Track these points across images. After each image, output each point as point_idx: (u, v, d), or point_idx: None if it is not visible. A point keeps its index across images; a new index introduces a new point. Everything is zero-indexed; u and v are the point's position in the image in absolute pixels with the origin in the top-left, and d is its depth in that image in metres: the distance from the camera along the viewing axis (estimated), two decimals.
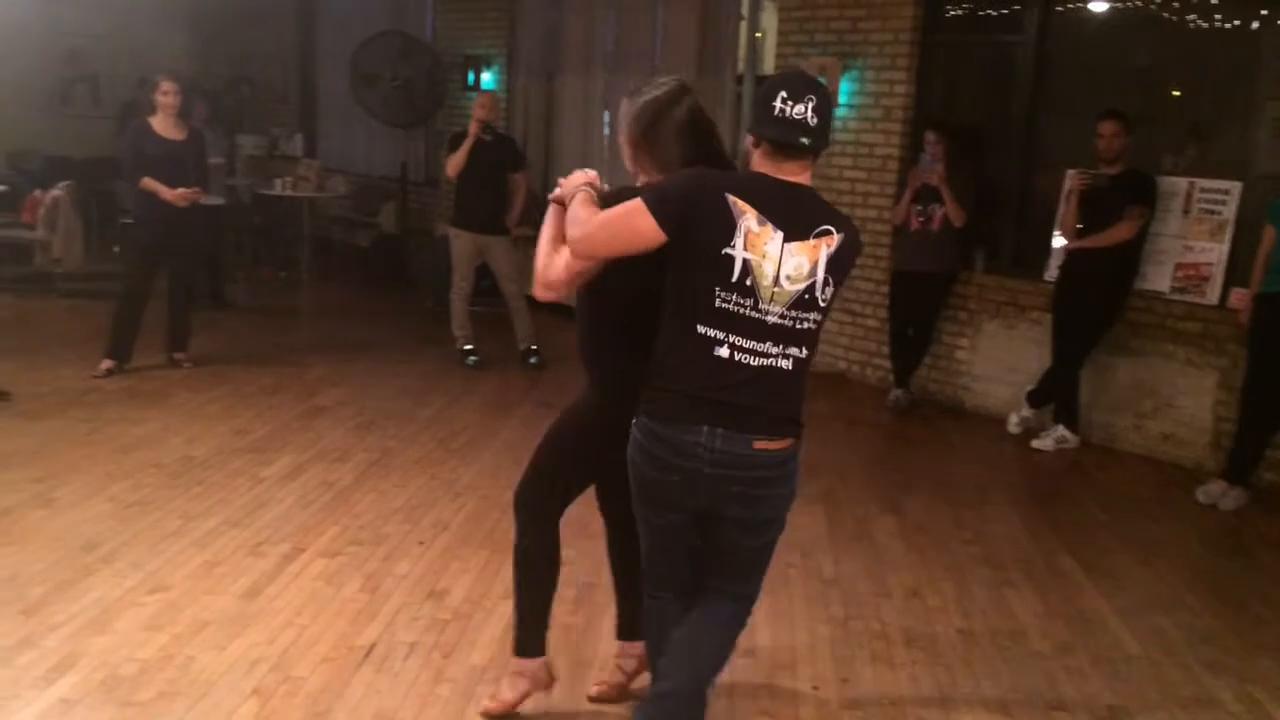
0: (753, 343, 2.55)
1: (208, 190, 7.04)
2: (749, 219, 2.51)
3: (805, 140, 2.53)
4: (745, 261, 2.51)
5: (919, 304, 6.97)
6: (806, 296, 2.56)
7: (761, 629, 3.78)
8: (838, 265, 2.58)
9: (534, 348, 7.48)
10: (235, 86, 12.80)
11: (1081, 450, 6.28)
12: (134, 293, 6.57)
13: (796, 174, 2.59)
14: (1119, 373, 6.32)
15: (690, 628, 2.80)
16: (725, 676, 3.45)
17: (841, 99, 7.38)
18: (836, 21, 7.46)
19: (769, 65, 8.43)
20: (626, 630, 3.28)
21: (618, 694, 3.29)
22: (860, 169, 7.45)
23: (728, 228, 2.51)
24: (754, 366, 2.55)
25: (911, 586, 4.29)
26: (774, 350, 2.56)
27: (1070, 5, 6.76)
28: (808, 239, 2.55)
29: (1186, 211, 6.05)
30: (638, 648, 3.20)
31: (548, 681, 3.21)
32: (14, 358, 6.60)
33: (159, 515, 4.49)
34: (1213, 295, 5.95)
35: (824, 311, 2.61)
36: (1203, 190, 6.00)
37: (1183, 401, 6.08)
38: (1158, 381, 6.17)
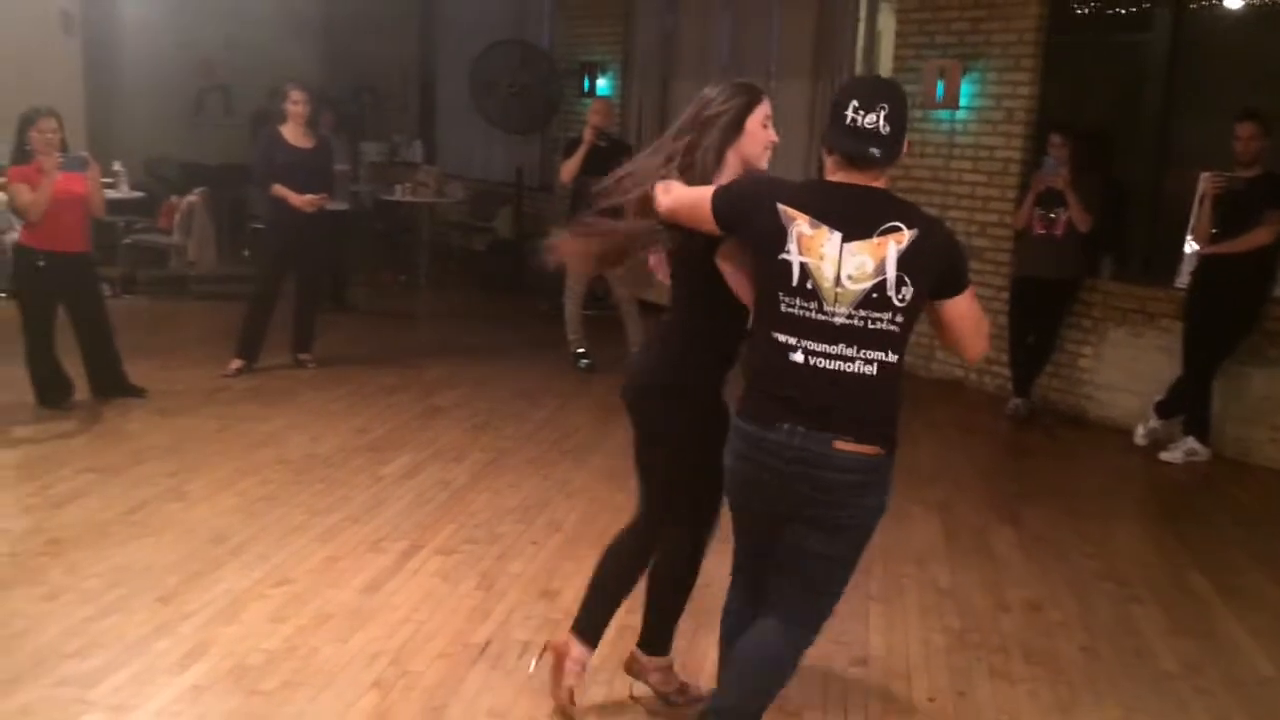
0: (824, 345, 2.53)
1: (333, 196, 7.25)
2: (800, 224, 2.53)
3: (876, 152, 2.52)
4: (803, 265, 2.52)
5: (1041, 311, 6.79)
6: (875, 296, 2.50)
7: (875, 638, 3.73)
8: (914, 264, 2.49)
9: None
10: (358, 95, 13.16)
11: (1213, 464, 6.04)
12: (263, 295, 6.81)
13: (865, 178, 2.57)
14: (1254, 383, 6.06)
15: (742, 649, 2.82)
16: (838, 684, 3.43)
17: (962, 101, 7.24)
18: (957, 23, 7.33)
19: (886, 67, 8.31)
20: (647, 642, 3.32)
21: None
22: (980, 172, 7.30)
23: (779, 234, 2.54)
24: (830, 370, 2.53)
25: (1031, 600, 4.18)
26: (849, 353, 2.53)
27: (1205, 2, 6.51)
28: (870, 237, 2.50)
29: None
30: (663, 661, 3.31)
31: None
32: (150, 356, 6.88)
33: (284, 510, 4.64)
34: None
35: (904, 312, 2.52)
36: None
37: None
38: None
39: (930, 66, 7.35)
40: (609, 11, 10.40)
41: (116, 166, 9.19)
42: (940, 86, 7.26)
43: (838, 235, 2.51)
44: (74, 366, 5.98)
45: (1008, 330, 6.98)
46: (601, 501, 4.96)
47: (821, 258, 2.51)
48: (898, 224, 2.51)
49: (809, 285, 2.52)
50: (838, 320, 2.52)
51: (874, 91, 2.58)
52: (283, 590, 3.89)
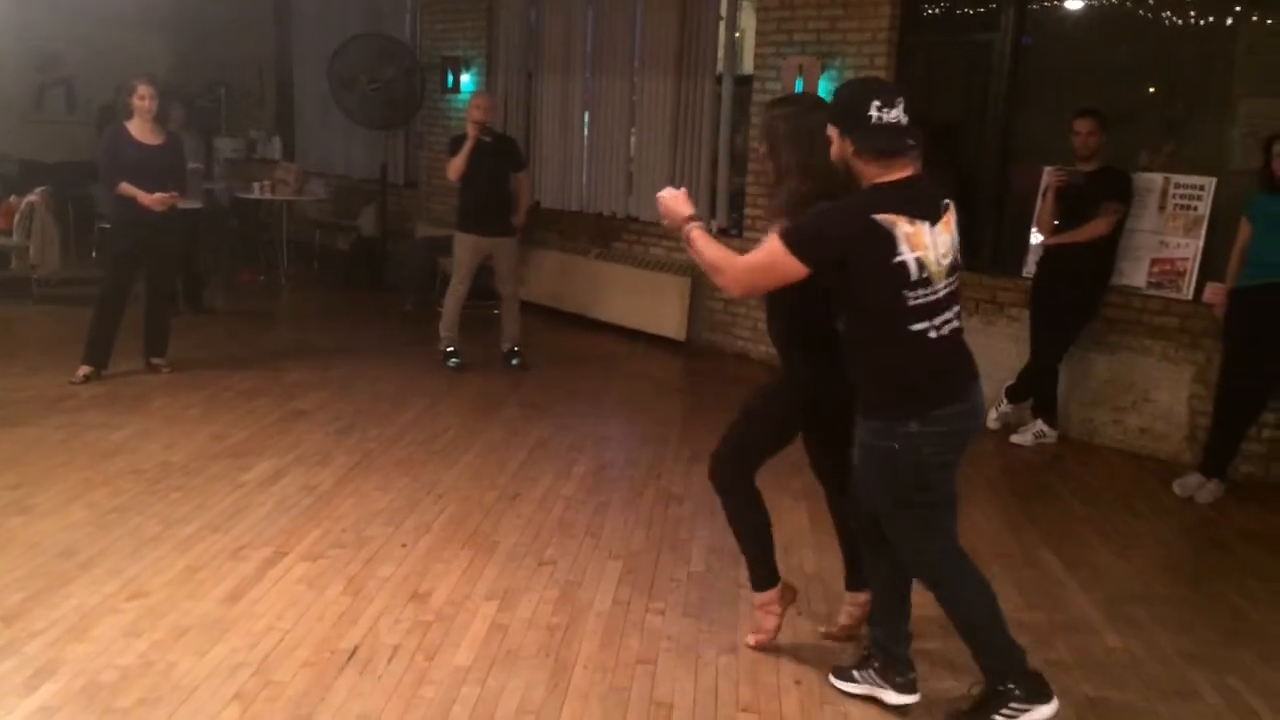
0: (940, 318, 2.94)
1: (185, 194, 7.00)
2: (901, 225, 2.83)
3: (911, 141, 2.87)
4: (918, 260, 2.86)
5: None
6: (953, 263, 2.97)
7: (744, 625, 3.79)
8: (959, 228, 3.01)
9: (517, 349, 7.48)
10: (211, 90, 12.74)
11: (1060, 445, 6.33)
12: (111, 298, 6.53)
13: (906, 170, 2.90)
14: (1097, 368, 6.36)
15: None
16: (708, 673, 3.48)
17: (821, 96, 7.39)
18: (815, 21, 7.49)
19: (748, 65, 8.44)
20: (852, 582, 3.73)
21: (844, 636, 3.72)
22: None
23: (889, 242, 2.83)
24: (949, 334, 2.97)
25: None
26: (950, 316, 2.97)
27: (1046, 3, 6.81)
28: (941, 217, 2.93)
29: (1162, 207, 6.10)
30: (861, 598, 3.66)
31: (792, 596, 3.74)
32: None
33: (138, 521, 4.47)
34: (1188, 290, 6.01)
35: (961, 268, 3.02)
36: (1178, 186, 6.06)
37: (1159, 396, 6.13)
38: (1135, 376, 6.22)
39: (790, 64, 7.49)
40: (470, 5, 10.29)
41: None
42: (799, 83, 7.40)
43: (927, 224, 2.88)
44: None
45: None
46: (471, 501, 4.92)
47: (926, 248, 2.87)
48: (947, 201, 2.97)
49: (925, 274, 2.88)
50: (941, 293, 2.93)
51: (889, 90, 2.91)
52: (137, 604, 3.74)
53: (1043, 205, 6.29)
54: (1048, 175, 6.26)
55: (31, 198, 8.70)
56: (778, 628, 3.67)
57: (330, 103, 10.82)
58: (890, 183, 2.87)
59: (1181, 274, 6.04)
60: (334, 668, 3.40)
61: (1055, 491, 5.61)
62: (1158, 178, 6.12)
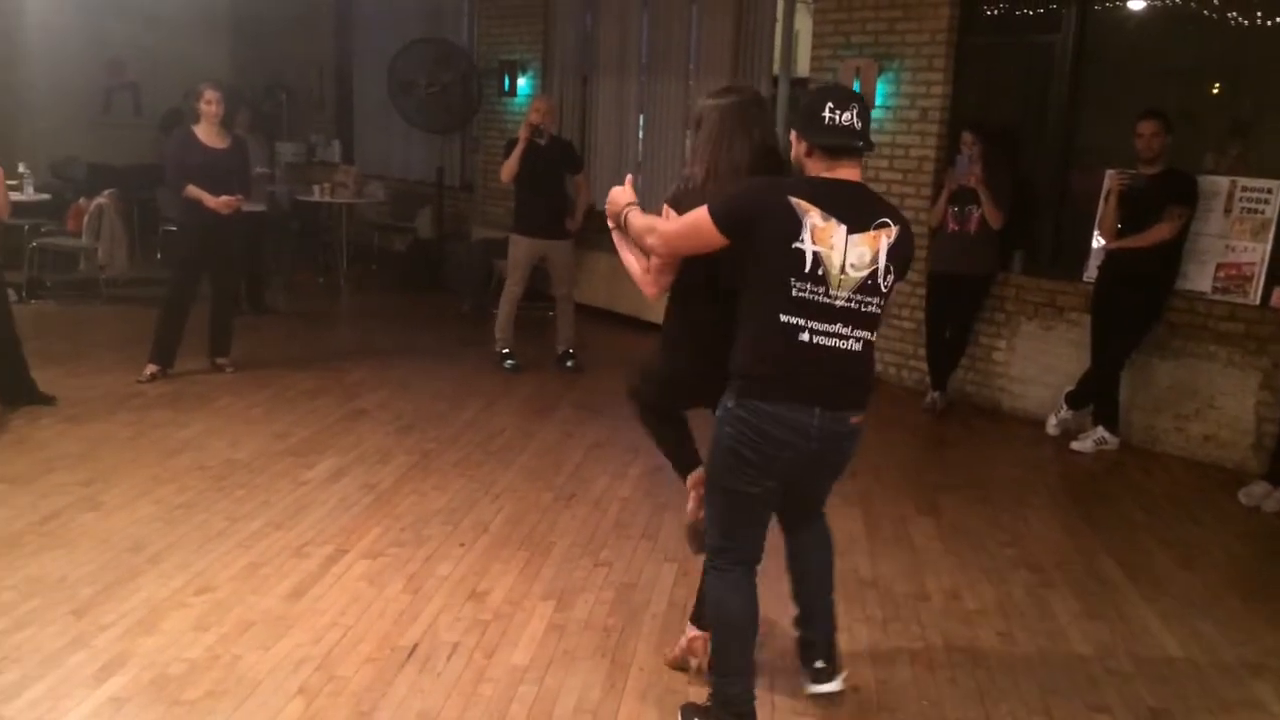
0: (826, 325, 2.84)
1: (249, 197, 7.14)
2: (813, 216, 2.80)
3: (858, 144, 2.88)
4: (815, 254, 2.80)
5: (956, 306, 6.94)
6: (869, 282, 2.85)
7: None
8: (897, 255, 2.88)
9: (571, 351, 7.53)
10: (273, 94, 12.96)
11: (1122, 452, 6.24)
12: (177, 298, 6.67)
13: (849, 172, 2.90)
14: (1159, 374, 6.27)
15: (814, 551, 3.36)
16: (764, 677, 3.48)
17: (877, 100, 7.36)
18: (873, 23, 7.45)
19: (804, 67, 8.42)
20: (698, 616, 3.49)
21: (676, 664, 3.54)
22: (896, 170, 7.43)
23: (794, 226, 2.79)
24: (830, 348, 2.86)
25: (950, 589, 4.28)
26: (845, 331, 2.86)
27: (1109, 3, 6.71)
28: (868, 230, 2.84)
29: (1228, 211, 5.99)
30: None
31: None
32: (60, 363, 6.71)
33: (204, 517, 4.56)
34: (1255, 295, 5.90)
35: (885, 297, 2.90)
36: (1244, 189, 5.94)
37: (1224, 402, 6.03)
38: (1199, 382, 6.11)
39: (846, 66, 7.46)
40: (528, 10, 10.37)
41: (21, 168, 8.94)
42: (856, 86, 7.37)
43: (844, 228, 2.82)
44: None
45: (924, 325, 7.13)
46: (528, 501, 4.96)
47: (831, 247, 2.81)
48: (887, 220, 2.89)
49: (820, 271, 2.81)
50: (838, 304, 2.84)
51: (844, 94, 2.93)
52: (204, 598, 3.82)
53: (1105, 209, 6.20)
54: (1110, 178, 6.18)
55: (100, 200, 8.89)
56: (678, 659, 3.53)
57: (388, 106, 10.96)
58: (821, 178, 2.88)
59: (1248, 279, 5.93)
60: (395, 664, 3.45)
61: (1116, 499, 5.53)
62: (1223, 180, 6.01)
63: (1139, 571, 4.55)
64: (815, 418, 2.88)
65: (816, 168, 2.90)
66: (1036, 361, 6.83)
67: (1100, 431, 6.25)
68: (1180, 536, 5.01)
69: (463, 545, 4.43)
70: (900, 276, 2.93)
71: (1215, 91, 6.63)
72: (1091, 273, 6.41)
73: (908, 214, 7.20)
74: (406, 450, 5.60)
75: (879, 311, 2.90)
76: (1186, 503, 5.49)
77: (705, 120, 3.16)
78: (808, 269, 2.80)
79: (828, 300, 2.82)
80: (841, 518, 4.94)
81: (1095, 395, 6.29)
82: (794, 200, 2.80)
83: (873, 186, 7.71)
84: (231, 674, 3.33)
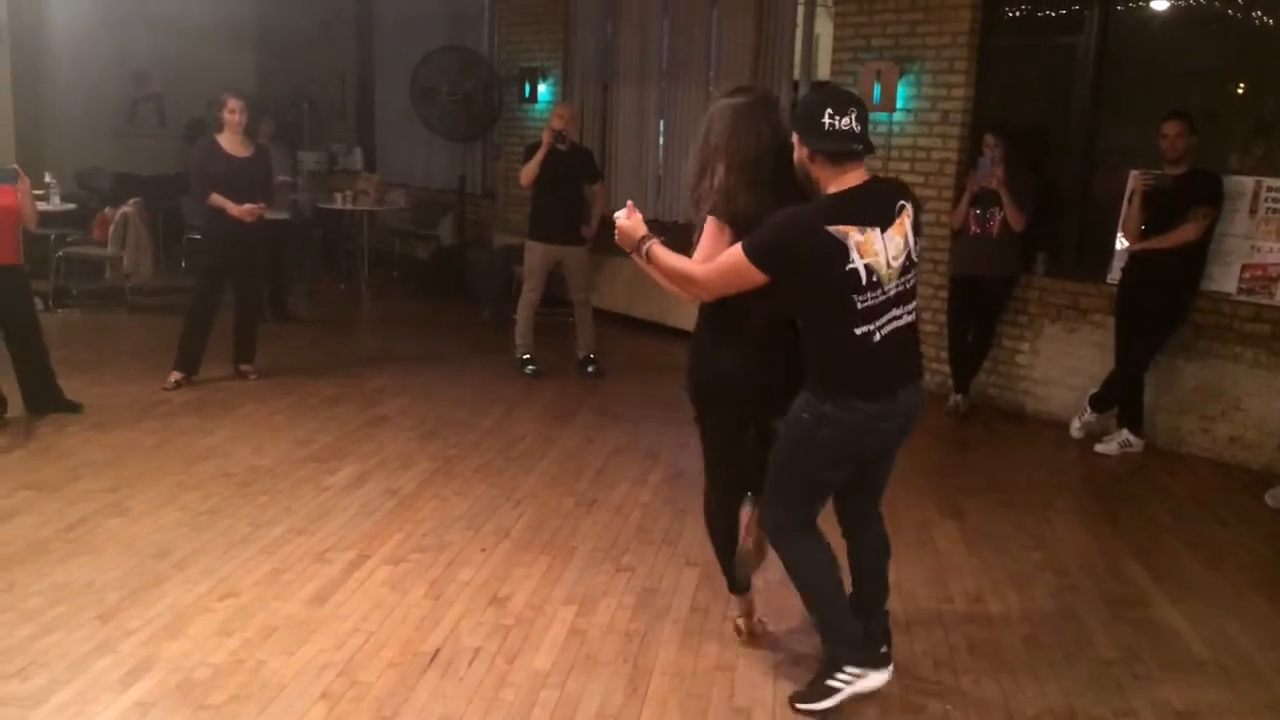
0: (887, 317, 3.06)
1: (272, 205, 7.19)
2: (853, 235, 2.96)
3: (859, 147, 3.02)
4: (867, 266, 2.98)
5: (979, 308, 6.91)
6: (907, 263, 3.08)
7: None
8: (917, 226, 3.13)
9: (592, 356, 7.54)
10: (295, 104, 13.04)
11: (1146, 454, 6.19)
12: (202, 306, 6.72)
13: (856, 174, 3.04)
14: (1184, 375, 6.22)
15: (875, 558, 3.52)
16: (786, 682, 3.47)
17: (899, 103, 7.35)
18: (893, 26, 7.43)
19: (824, 71, 8.41)
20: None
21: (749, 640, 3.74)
22: (918, 173, 7.41)
23: (841, 251, 2.95)
24: (892, 332, 3.07)
25: (974, 592, 4.26)
26: (898, 313, 3.09)
27: (1131, 4, 6.67)
28: (894, 221, 3.04)
29: (1253, 211, 5.94)
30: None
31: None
32: (86, 371, 6.78)
33: (228, 523, 4.59)
34: None
35: (917, 267, 3.14)
36: (1270, 189, 5.89)
37: (1250, 404, 5.97)
38: (1224, 384, 6.06)
39: (867, 69, 7.45)
40: (548, 18, 10.40)
41: (47, 178, 9.04)
42: (877, 89, 7.36)
43: (878, 230, 3.00)
44: (7, 383, 5.88)
45: (947, 328, 7.10)
46: (549, 507, 4.97)
47: (876, 254, 3.00)
48: (902, 202, 3.08)
49: (875, 279, 3.00)
50: (891, 293, 3.05)
51: (842, 99, 3.06)
52: (228, 604, 3.85)
53: (1129, 210, 6.16)
54: (1134, 179, 6.14)
55: (125, 209, 8.97)
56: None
57: (410, 115, 11.01)
58: (843, 193, 3.02)
59: (1274, 279, 5.88)
60: (417, 669, 3.46)
61: (1141, 501, 5.49)
62: (1249, 181, 5.96)
63: (1165, 574, 4.51)
64: (900, 398, 3.13)
65: (825, 174, 3.04)
66: (1060, 364, 6.79)
67: (1125, 434, 6.20)
68: (1206, 538, 4.96)
69: (484, 550, 4.44)
70: (920, 236, 3.17)
71: (1239, 91, 6.58)
72: (1115, 274, 6.36)
73: (929, 217, 7.29)
74: (428, 456, 5.62)
75: (915, 281, 3.14)
76: (1212, 504, 5.44)
77: (719, 118, 3.23)
78: (865, 282, 2.98)
79: (884, 297, 3.03)
80: None
81: (1120, 397, 6.25)
82: (832, 229, 2.94)
83: None
84: (256, 679, 3.35)
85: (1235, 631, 3.99)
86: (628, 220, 3.32)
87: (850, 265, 2.95)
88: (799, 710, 3.32)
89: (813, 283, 3.00)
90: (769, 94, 3.36)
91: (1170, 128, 5.85)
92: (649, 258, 3.26)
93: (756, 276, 3.02)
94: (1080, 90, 6.81)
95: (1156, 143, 5.92)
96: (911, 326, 3.16)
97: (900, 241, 3.04)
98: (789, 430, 3.22)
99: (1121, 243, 6.32)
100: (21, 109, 9.97)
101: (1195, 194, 5.84)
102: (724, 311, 3.27)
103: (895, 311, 3.07)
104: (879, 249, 2.99)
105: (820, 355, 3.12)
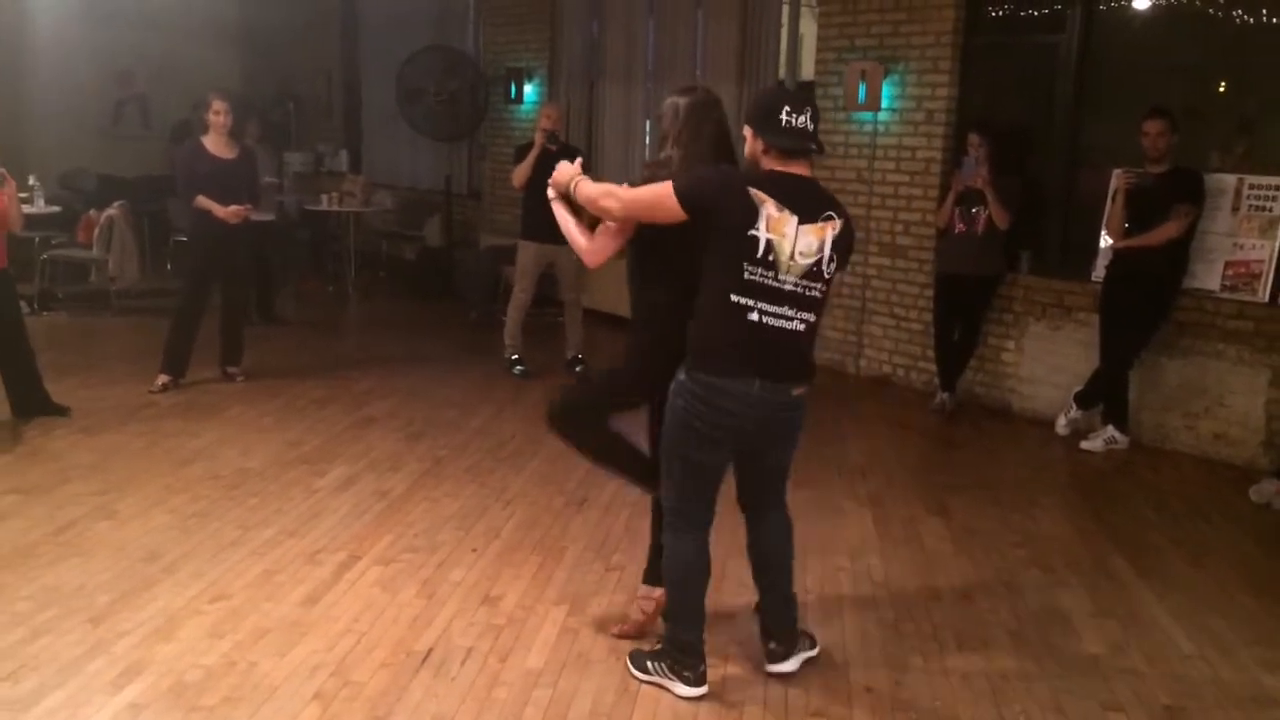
0: (774, 307, 3.10)
1: (258, 207, 7.17)
2: (769, 206, 3.05)
3: (813, 145, 3.14)
4: (768, 241, 3.06)
5: (964, 307, 6.94)
6: (815, 269, 3.12)
7: (812, 631, 3.79)
8: (841, 245, 3.17)
9: (580, 356, 7.55)
10: (281, 103, 13.01)
11: (1131, 451, 6.24)
12: (188, 308, 6.70)
13: (802, 170, 3.16)
14: (1168, 372, 6.27)
15: (772, 542, 3.53)
16: (777, 678, 3.49)
17: (884, 103, 7.38)
18: (878, 25, 7.47)
19: (809, 71, 8.44)
20: (650, 575, 3.73)
21: (638, 632, 3.73)
22: (903, 172, 7.45)
23: (751, 214, 3.04)
24: (777, 328, 3.12)
25: (961, 589, 4.29)
26: (790, 313, 3.12)
27: (1113, 3, 6.72)
28: (816, 221, 3.11)
29: (1236, 209, 6.00)
30: (656, 592, 3.68)
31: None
32: (72, 374, 6.75)
33: (218, 526, 4.59)
34: (1264, 293, 5.90)
35: (828, 284, 3.18)
36: (1252, 187, 5.95)
37: (1234, 400, 6.03)
38: (1208, 381, 6.11)
39: (852, 69, 7.48)
40: (533, 17, 10.41)
41: (31, 180, 8.99)
42: (862, 89, 7.39)
43: (795, 218, 3.07)
44: None
45: (933, 326, 7.14)
46: (539, 506, 4.98)
47: (783, 235, 3.06)
48: (832, 213, 3.15)
49: (770, 257, 3.06)
50: (786, 288, 3.10)
51: (799, 99, 3.17)
52: (219, 606, 3.85)
53: (1112, 208, 6.21)
54: (1117, 177, 6.19)
55: (110, 212, 8.93)
56: (642, 625, 3.74)
57: (396, 115, 11.00)
58: (778, 173, 3.13)
59: (1257, 276, 5.93)
60: (409, 669, 3.47)
61: (1127, 498, 5.54)
62: (1230, 178, 6.02)
63: (1150, 570, 4.55)
64: (757, 390, 3.13)
65: (772, 163, 3.15)
66: (1045, 362, 6.83)
67: (1110, 431, 6.25)
68: (1191, 534, 5.01)
69: (475, 551, 4.45)
70: (843, 265, 3.23)
71: (1221, 89, 6.64)
72: (1099, 272, 6.41)
73: (914, 215, 7.34)
74: (417, 457, 5.62)
75: (822, 296, 3.18)
76: (1197, 501, 5.49)
77: (674, 111, 3.44)
78: (760, 254, 3.05)
79: (776, 284, 3.08)
80: (852, 519, 4.97)
81: (1104, 394, 6.29)
82: (753, 191, 3.05)
83: (880, 189, 7.84)
84: (248, 680, 3.35)
85: (1220, 627, 4.03)
86: (567, 164, 3.53)
87: (753, 232, 3.03)
88: (629, 665, 3.52)
89: (715, 236, 3.09)
90: (714, 94, 3.58)
91: (1152, 126, 5.89)
92: (576, 188, 3.42)
93: (673, 210, 3.09)
94: (1063, 88, 6.86)
95: (1139, 141, 5.97)
96: (803, 337, 3.18)
97: (814, 242, 3.09)
98: (667, 411, 3.31)
99: (1105, 241, 6.37)
100: (2, 108, 9.91)
101: (1177, 192, 5.88)
102: (644, 297, 3.51)
103: (788, 310, 3.11)
104: (789, 234, 3.06)
105: (698, 320, 3.18)
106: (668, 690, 3.39)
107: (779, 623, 3.55)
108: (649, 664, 3.46)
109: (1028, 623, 4.01)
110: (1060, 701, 3.45)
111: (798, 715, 3.32)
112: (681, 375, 3.19)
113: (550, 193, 3.57)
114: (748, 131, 3.21)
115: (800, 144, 3.12)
